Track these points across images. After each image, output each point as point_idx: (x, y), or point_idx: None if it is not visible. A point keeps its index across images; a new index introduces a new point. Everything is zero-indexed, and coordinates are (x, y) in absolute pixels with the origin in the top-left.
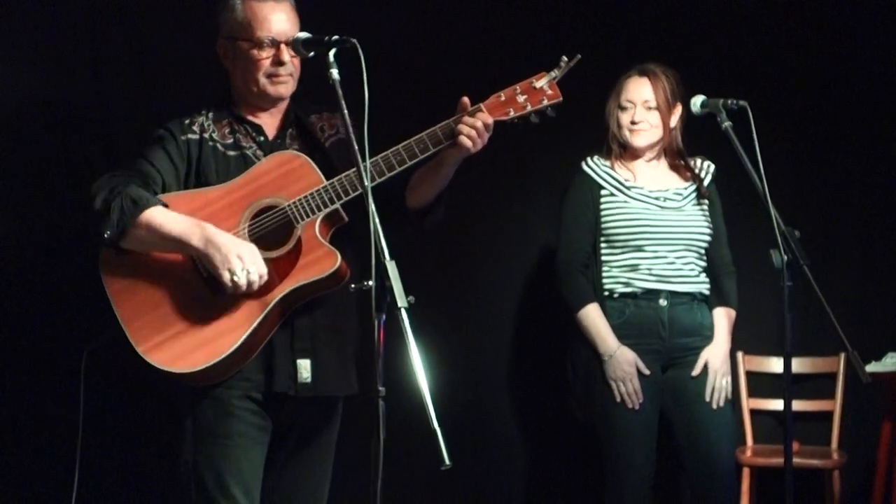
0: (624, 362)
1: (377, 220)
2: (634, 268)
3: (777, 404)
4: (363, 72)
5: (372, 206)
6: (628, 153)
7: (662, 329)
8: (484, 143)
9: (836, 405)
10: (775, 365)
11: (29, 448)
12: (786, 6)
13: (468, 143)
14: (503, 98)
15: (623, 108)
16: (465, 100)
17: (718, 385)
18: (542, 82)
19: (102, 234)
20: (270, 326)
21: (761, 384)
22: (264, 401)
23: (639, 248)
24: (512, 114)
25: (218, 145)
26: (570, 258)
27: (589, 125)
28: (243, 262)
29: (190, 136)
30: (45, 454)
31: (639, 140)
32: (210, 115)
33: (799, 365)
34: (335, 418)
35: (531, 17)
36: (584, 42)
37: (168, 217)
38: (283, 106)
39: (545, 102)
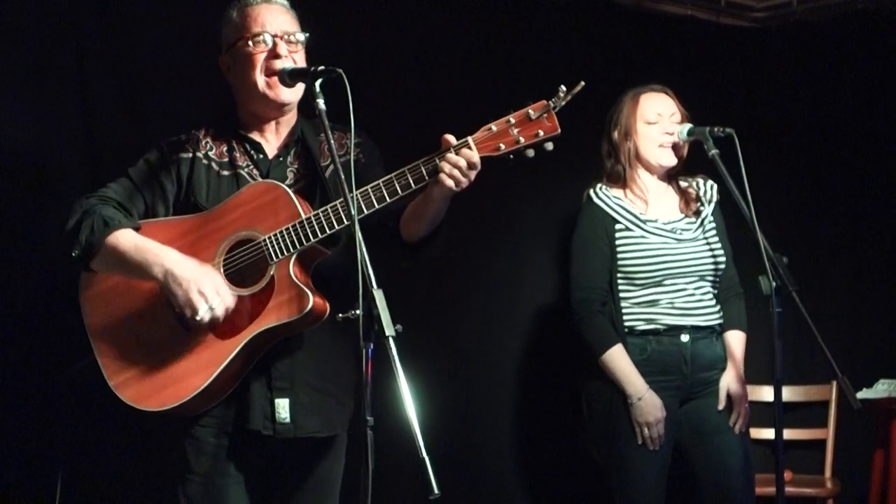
0: (654, 407)
1: (364, 249)
2: (655, 303)
3: (769, 433)
4: (349, 102)
5: (359, 235)
6: (640, 178)
7: (685, 365)
8: (470, 180)
9: (829, 433)
10: (767, 393)
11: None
12: (769, 34)
13: (450, 182)
14: (494, 130)
15: (651, 123)
16: (449, 137)
17: (743, 411)
18: (538, 112)
19: (70, 254)
20: (240, 366)
21: (753, 413)
22: (242, 438)
23: (659, 284)
24: (503, 149)
25: (213, 164)
26: (587, 297)
27: (584, 151)
28: (205, 297)
29: (182, 154)
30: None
31: (667, 157)
32: (210, 130)
33: (791, 393)
34: (333, 455)
35: (520, 44)
36: (572, 69)
37: (133, 242)
38: (288, 121)
39: (542, 135)
